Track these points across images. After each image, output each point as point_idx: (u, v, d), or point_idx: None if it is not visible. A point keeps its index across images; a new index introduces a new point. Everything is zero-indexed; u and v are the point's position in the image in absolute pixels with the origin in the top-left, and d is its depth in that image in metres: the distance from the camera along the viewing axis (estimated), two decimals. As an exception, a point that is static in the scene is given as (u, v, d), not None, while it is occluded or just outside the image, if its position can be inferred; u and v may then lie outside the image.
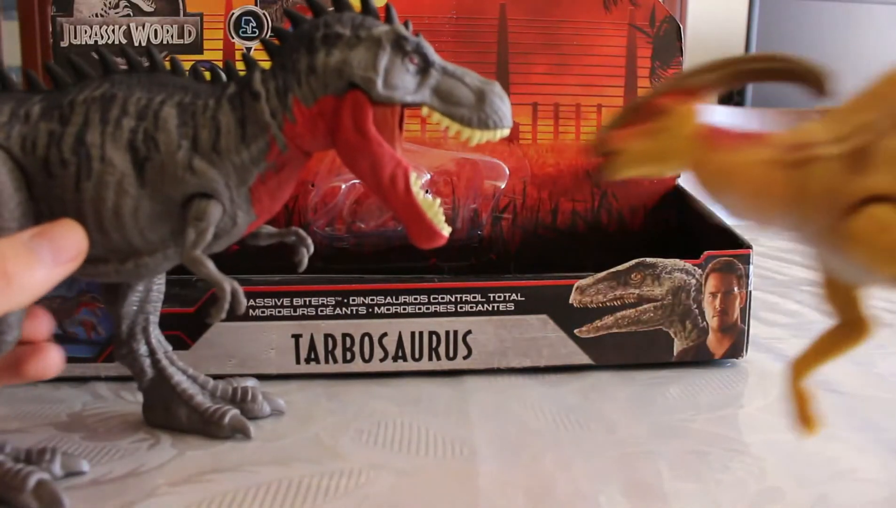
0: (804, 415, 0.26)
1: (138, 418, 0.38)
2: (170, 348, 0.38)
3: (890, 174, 0.21)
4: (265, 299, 0.43)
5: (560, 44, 0.50)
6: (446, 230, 0.32)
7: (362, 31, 0.31)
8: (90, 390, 0.42)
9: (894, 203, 0.21)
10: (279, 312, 0.44)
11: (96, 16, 0.45)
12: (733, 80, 0.24)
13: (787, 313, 0.60)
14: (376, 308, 0.44)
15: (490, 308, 0.45)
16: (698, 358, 0.47)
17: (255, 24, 0.47)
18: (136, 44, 0.45)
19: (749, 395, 0.43)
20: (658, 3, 0.50)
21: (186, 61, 0.35)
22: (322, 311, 0.44)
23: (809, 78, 0.23)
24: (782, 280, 0.73)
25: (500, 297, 0.45)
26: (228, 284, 0.31)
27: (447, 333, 0.45)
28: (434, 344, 0.45)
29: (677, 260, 0.45)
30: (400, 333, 0.44)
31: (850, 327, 0.25)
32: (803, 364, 0.26)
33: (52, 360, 0.31)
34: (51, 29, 0.45)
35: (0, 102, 0.32)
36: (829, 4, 1.68)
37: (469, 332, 0.45)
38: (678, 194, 0.55)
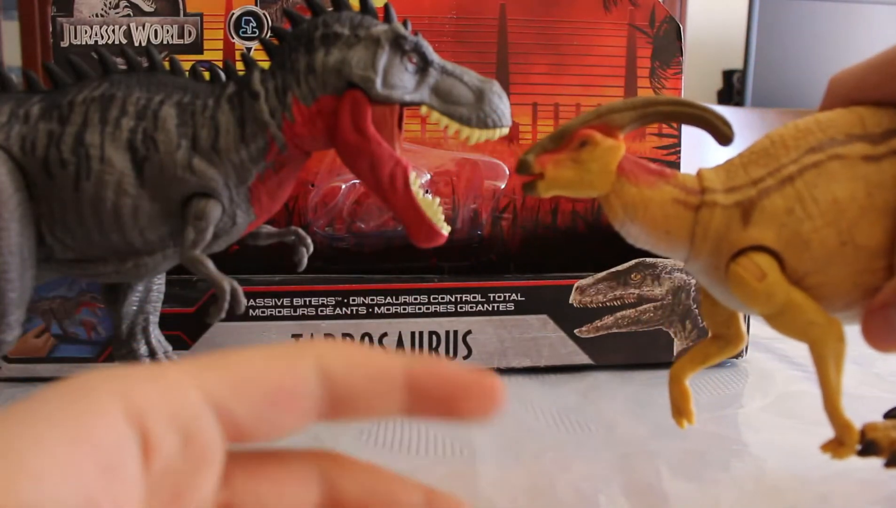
0: (683, 409, 0.30)
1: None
2: (170, 348, 0.38)
3: (769, 229, 0.25)
4: (265, 299, 0.43)
5: (560, 44, 0.50)
6: (445, 230, 0.32)
7: (361, 30, 0.31)
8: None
9: (770, 253, 0.25)
10: (279, 312, 0.44)
11: (96, 16, 0.45)
12: (648, 119, 0.27)
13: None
14: (376, 308, 0.44)
15: (490, 308, 0.45)
16: (698, 358, 0.46)
17: (255, 25, 0.47)
18: (136, 44, 0.45)
19: (749, 395, 0.43)
20: (658, 3, 0.50)
21: (186, 61, 0.35)
22: (322, 311, 0.44)
23: (713, 126, 0.26)
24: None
25: (500, 297, 0.45)
26: (228, 283, 0.31)
27: (447, 333, 0.45)
28: (434, 344, 0.45)
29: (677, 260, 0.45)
30: (400, 333, 0.44)
31: (725, 340, 0.29)
32: (682, 369, 0.30)
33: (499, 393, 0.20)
34: (51, 29, 0.45)
35: (-1, 103, 0.32)
36: (828, 4, 1.68)
37: (469, 332, 0.45)
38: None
